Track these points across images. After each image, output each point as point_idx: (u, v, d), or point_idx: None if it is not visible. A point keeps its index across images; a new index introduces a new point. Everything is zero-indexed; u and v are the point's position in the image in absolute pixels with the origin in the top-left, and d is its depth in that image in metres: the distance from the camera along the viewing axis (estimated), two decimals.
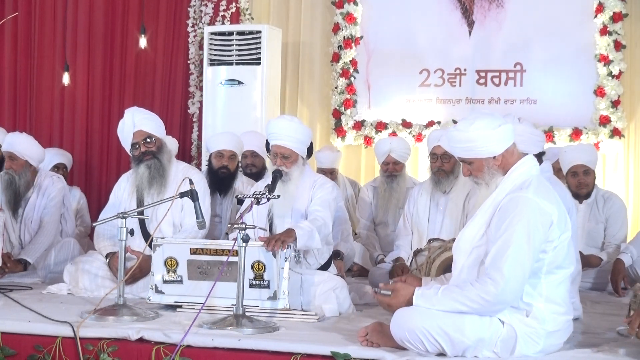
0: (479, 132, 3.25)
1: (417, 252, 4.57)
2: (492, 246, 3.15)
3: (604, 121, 7.04)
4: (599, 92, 7.07)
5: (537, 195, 3.17)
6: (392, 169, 6.02)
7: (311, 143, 4.64)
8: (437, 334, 3.11)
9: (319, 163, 6.69)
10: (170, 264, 4.14)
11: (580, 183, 5.63)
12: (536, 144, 4.25)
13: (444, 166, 5.00)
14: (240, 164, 5.79)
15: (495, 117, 3.31)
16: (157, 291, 4.14)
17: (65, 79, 7.77)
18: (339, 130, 7.61)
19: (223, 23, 7.66)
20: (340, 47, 7.62)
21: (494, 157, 3.28)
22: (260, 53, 7.07)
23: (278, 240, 3.96)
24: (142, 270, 4.44)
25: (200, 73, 7.64)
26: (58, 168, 6.58)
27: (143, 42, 7.64)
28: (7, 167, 5.31)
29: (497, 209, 3.21)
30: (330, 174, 6.58)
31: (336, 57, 7.64)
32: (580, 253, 4.86)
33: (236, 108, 7.13)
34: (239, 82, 7.13)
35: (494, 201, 3.26)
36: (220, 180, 5.62)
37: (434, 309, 3.14)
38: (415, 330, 3.13)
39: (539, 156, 4.22)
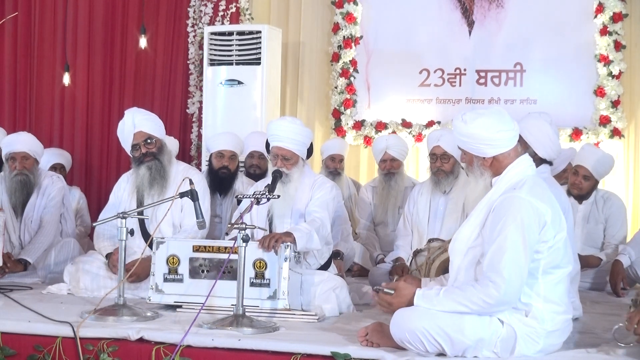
0: (478, 131, 3.25)
1: (416, 253, 4.56)
2: (487, 247, 3.15)
3: (604, 121, 7.03)
4: (599, 92, 7.07)
5: (531, 195, 3.17)
6: (390, 166, 6.02)
7: (311, 143, 4.64)
8: (437, 334, 3.11)
9: (327, 151, 6.64)
10: (172, 262, 4.15)
11: (574, 183, 5.56)
12: (545, 149, 4.20)
13: (444, 166, 5.00)
14: (243, 163, 5.77)
15: (502, 120, 3.27)
16: (157, 290, 4.15)
17: (66, 79, 7.76)
18: (339, 130, 7.61)
19: (223, 23, 7.65)
20: (340, 47, 7.62)
21: (484, 158, 3.30)
22: (260, 53, 7.06)
23: (272, 238, 3.98)
24: (140, 276, 4.46)
25: (200, 73, 7.64)
26: (55, 168, 6.55)
27: (143, 42, 7.63)
28: (20, 168, 5.27)
29: (492, 209, 3.21)
30: (340, 162, 6.58)
31: (336, 57, 7.64)
32: (579, 255, 4.83)
33: (236, 108, 7.12)
34: (239, 82, 7.12)
35: (488, 201, 3.26)
36: (221, 180, 5.62)
37: (435, 310, 3.14)
38: (415, 330, 3.13)
39: (542, 161, 4.20)
